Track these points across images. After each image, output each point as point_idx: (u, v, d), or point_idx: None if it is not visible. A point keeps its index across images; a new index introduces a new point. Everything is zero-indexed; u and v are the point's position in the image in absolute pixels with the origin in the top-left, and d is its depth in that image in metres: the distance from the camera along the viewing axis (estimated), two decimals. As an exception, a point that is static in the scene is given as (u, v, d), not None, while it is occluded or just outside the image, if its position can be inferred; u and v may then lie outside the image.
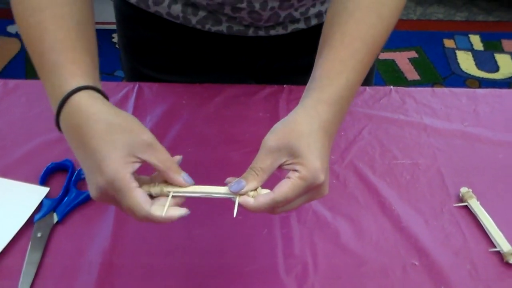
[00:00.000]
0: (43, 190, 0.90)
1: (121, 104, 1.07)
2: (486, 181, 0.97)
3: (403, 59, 2.92)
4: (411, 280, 0.83)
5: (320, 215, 0.90)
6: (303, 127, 0.70)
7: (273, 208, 0.68)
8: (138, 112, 1.05)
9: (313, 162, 0.67)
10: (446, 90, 1.14)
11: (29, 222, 0.86)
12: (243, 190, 0.68)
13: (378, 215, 0.91)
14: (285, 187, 0.67)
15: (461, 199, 0.93)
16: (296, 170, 0.68)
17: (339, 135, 1.03)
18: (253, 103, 1.09)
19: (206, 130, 1.03)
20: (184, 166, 0.95)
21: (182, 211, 0.68)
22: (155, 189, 0.68)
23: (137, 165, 0.67)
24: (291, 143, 0.68)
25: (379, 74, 2.81)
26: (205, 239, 0.87)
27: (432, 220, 0.91)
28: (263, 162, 0.69)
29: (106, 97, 0.72)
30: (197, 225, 0.88)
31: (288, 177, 0.68)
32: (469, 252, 0.87)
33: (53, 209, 0.88)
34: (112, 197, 0.67)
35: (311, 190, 0.69)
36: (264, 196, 0.68)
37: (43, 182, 0.91)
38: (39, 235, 0.85)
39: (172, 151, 0.97)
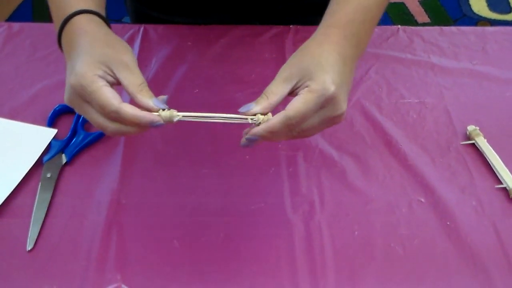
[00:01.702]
0: (51, 132, 0.90)
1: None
2: (493, 119, 0.96)
3: (413, 2, 2.87)
4: (417, 216, 0.84)
5: (327, 154, 0.91)
6: (314, 49, 0.70)
7: (289, 128, 0.67)
8: (144, 54, 1.05)
9: (322, 75, 0.66)
10: (454, 28, 1.13)
11: (38, 164, 0.87)
12: (252, 111, 0.67)
13: (384, 154, 0.91)
14: (296, 102, 0.66)
15: (468, 137, 0.93)
16: (306, 87, 0.67)
17: (346, 75, 1.02)
18: (259, 44, 1.08)
19: (212, 71, 1.03)
20: (191, 107, 0.96)
21: (154, 117, 0.66)
22: (165, 113, 0.67)
23: (108, 77, 0.67)
24: (303, 65, 0.68)
25: (389, 17, 2.77)
26: (211, 178, 0.87)
27: (439, 158, 0.91)
28: (275, 86, 0.68)
29: (107, 22, 0.73)
30: (204, 165, 0.89)
31: (299, 94, 0.67)
32: (475, 189, 0.87)
33: (62, 150, 0.88)
34: (82, 100, 0.67)
35: (324, 104, 0.67)
36: (276, 115, 0.67)
37: (51, 123, 0.92)
38: (48, 175, 0.86)
39: (179, 92, 0.99)
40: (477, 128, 0.93)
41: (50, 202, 0.83)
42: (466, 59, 1.07)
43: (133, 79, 0.67)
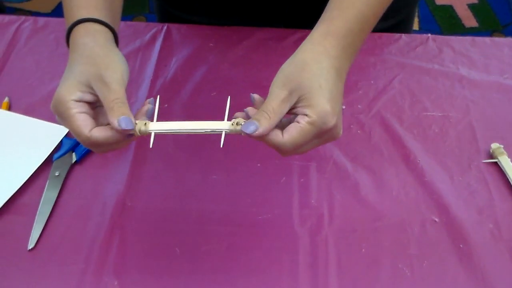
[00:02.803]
0: (63, 129, 0.90)
1: (148, 45, 1.05)
2: (520, 138, 0.92)
3: (462, 5, 2.79)
4: (429, 237, 0.80)
5: (341, 166, 0.88)
6: (313, 66, 0.67)
7: (280, 151, 0.66)
8: (164, 53, 1.03)
9: (323, 105, 0.64)
10: (487, 39, 1.08)
11: (48, 161, 0.87)
12: (256, 134, 0.64)
13: (401, 168, 0.88)
14: (294, 133, 0.64)
15: (491, 155, 0.89)
16: (305, 114, 0.64)
17: (369, 84, 0.99)
18: (282, 48, 1.05)
19: (232, 74, 1.01)
20: (206, 110, 0.95)
21: (122, 138, 0.66)
22: (138, 126, 0.66)
23: (88, 96, 0.66)
24: (302, 84, 0.65)
25: (435, 20, 2.71)
26: (220, 185, 0.85)
27: (458, 176, 0.87)
28: (275, 104, 0.65)
29: (110, 27, 0.72)
30: (214, 171, 0.87)
31: (297, 121, 0.65)
32: (493, 210, 0.83)
33: (72, 148, 0.88)
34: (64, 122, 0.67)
35: (321, 134, 0.66)
36: (274, 135, 0.65)
37: (63, 121, 0.91)
38: (56, 174, 0.85)
39: (196, 94, 0.97)
40: (502, 146, 0.89)
41: (55, 201, 0.82)
42: (497, 72, 1.02)
43: (108, 95, 0.65)
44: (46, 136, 0.89)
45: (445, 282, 0.76)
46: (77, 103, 0.66)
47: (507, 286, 0.76)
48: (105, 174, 0.86)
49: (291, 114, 0.67)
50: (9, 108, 0.95)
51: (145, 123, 0.66)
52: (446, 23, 2.71)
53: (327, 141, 0.68)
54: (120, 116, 0.64)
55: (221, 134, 0.67)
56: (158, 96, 0.69)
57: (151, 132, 0.67)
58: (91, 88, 0.66)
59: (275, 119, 0.65)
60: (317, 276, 0.76)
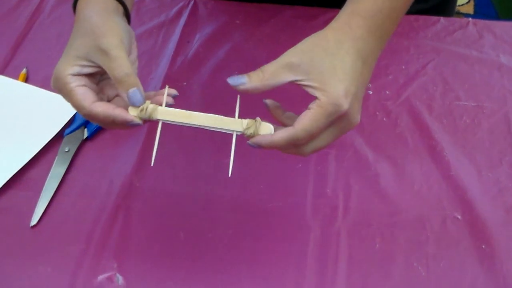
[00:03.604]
0: (77, 104, 0.88)
1: (173, 20, 1.02)
2: (558, 133, 0.86)
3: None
4: (449, 235, 0.75)
5: (361, 155, 0.83)
6: (332, 43, 0.61)
7: (295, 146, 0.61)
8: (188, 29, 1.00)
9: (335, 88, 0.59)
10: (533, 25, 1.01)
11: (59, 136, 0.85)
12: (240, 88, 0.61)
13: (425, 160, 0.83)
14: (305, 119, 0.59)
15: (525, 151, 0.83)
16: (316, 98, 0.59)
17: (400, 69, 0.93)
18: (311, 27, 1.00)
19: (256, 54, 0.97)
20: (224, 90, 0.90)
21: (127, 117, 0.61)
22: (141, 115, 0.61)
23: (86, 69, 0.63)
24: (314, 60, 0.60)
25: (491, 3, 2.59)
26: (233, 169, 0.82)
27: (487, 171, 0.81)
28: (275, 67, 0.61)
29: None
30: (226, 154, 0.83)
31: (309, 108, 0.60)
32: (522, 210, 0.78)
33: (84, 124, 0.86)
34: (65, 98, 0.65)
35: (336, 120, 0.60)
36: (283, 130, 0.60)
37: (78, 95, 0.89)
38: (66, 149, 0.83)
39: (216, 73, 0.94)
40: (537, 141, 0.83)
41: (63, 177, 0.80)
42: (541, 61, 0.95)
43: (110, 65, 0.61)
44: (59, 110, 0.87)
45: (462, 285, 0.71)
46: (75, 77, 0.62)
47: (531, 293, 0.71)
48: (115, 152, 0.84)
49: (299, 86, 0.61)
50: (26, 79, 0.93)
51: (153, 107, 0.62)
52: (504, 7, 2.59)
53: (344, 129, 0.62)
54: (129, 88, 0.61)
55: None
56: (167, 86, 0.64)
57: (157, 120, 0.62)
58: (91, 61, 0.62)
59: (267, 79, 0.61)
60: (325, 271, 0.72)
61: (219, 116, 0.62)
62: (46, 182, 0.80)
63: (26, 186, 0.80)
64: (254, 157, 0.83)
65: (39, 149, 0.83)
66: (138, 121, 0.61)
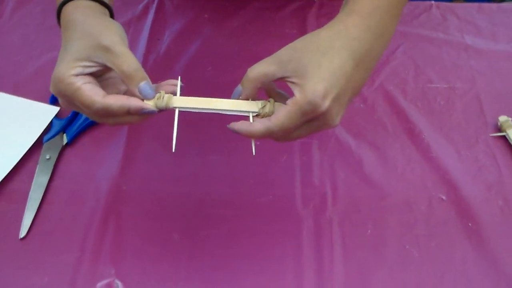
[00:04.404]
0: (53, 110, 0.86)
1: (140, 18, 1.01)
2: (529, 109, 0.89)
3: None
4: (436, 215, 0.77)
5: (343, 142, 0.85)
6: (323, 42, 0.60)
7: (271, 138, 0.61)
8: (157, 27, 0.99)
9: (314, 86, 0.57)
10: (494, 6, 1.04)
11: (38, 143, 0.83)
12: (241, 98, 0.62)
13: (406, 144, 0.85)
14: (281, 116, 0.59)
15: (499, 129, 0.86)
16: (294, 96, 0.59)
17: (371, 55, 0.95)
18: (279, 18, 1.01)
19: (228, 47, 0.97)
20: (202, 85, 0.90)
21: (142, 104, 0.61)
22: (158, 102, 0.61)
23: (89, 69, 0.61)
24: (303, 59, 0.59)
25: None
26: (219, 166, 0.82)
27: (465, 150, 0.84)
28: (265, 67, 0.61)
29: (100, 1, 0.68)
30: (212, 151, 0.83)
31: (286, 103, 0.59)
32: (503, 186, 0.80)
33: (63, 129, 0.84)
34: (70, 102, 0.63)
35: (313, 119, 0.59)
36: (261, 122, 0.60)
37: (53, 101, 0.87)
38: (47, 157, 0.82)
39: (191, 69, 0.93)
40: (510, 119, 0.85)
41: (47, 186, 0.79)
42: (505, 41, 0.99)
43: (116, 61, 0.61)
44: (35, 117, 0.85)
45: (454, 262, 0.73)
46: (79, 77, 0.61)
47: (518, 265, 0.73)
48: (98, 156, 0.83)
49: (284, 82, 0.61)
50: (-4, 87, 0.91)
51: (169, 96, 0.62)
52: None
53: (320, 128, 0.62)
54: (139, 82, 0.61)
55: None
56: (180, 77, 0.64)
57: (173, 108, 0.62)
58: (93, 61, 0.61)
59: (257, 82, 0.62)
60: (322, 259, 0.73)
61: (235, 100, 0.63)
62: (30, 192, 0.78)
63: (9, 198, 0.78)
64: (240, 154, 0.83)
65: (19, 159, 0.81)
66: (154, 108, 0.61)
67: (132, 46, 0.96)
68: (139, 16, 1.01)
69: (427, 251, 0.74)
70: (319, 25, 0.65)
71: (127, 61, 0.61)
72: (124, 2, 1.03)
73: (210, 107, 0.63)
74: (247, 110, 0.62)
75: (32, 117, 0.85)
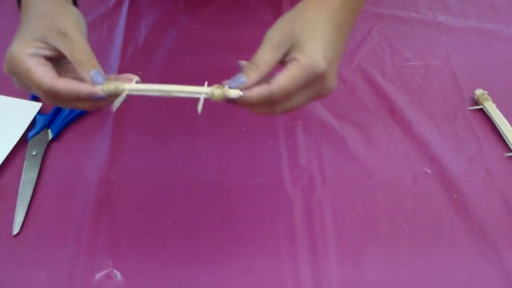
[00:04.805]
0: (36, 106, 0.86)
1: (114, 10, 1.01)
2: (503, 82, 0.91)
3: None
4: (423, 189, 0.79)
5: (327, 123, 0.86)
6: (311, 12, 0.64)
7: (270, 104, 0.61)
8: (132, 18, 0.99)
9: (313, 48, 0.60)
10: (461, -17, 1.06)
11: (23, 140, 0.83)
12: (246, 85, 0.61)
13: (387, 122, 0.87)
14: (282, 77, 0.60)
15: (476, 102, 0.88)
16: (294, 59, 0.61)
17: (347, 37, 0.97)
18: (254, 4, 1.02)
19: (205, 36, 0.97)
20: (182, 74, 0.92)
21: (92, 90, 0.59)
22: (108, 86, 0.60)
23: (43, 51, 0.61)
24: (295, 33, 0.62)
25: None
26: (206, 152, 0.83)
27: (445, 125, 0.86)
28: (265, 54, 0.62)
29: None
30: (198, 138, 0.84)
31: (286, 68, 0.61)
32: (483, 158, 0.83)
33: (47, 125, 0.84)
34: (22, 82, 0.62)
35: (312, 81, 0.61)
36: (259, 87, 0.60)
37: (34, 97, 0.87)
38: (34, 153, 0.81)
39: (170, 59, 0.94)
40: (486, 92, 0.88)
41: (36, 182, 0.79)
42: (474, 17, 1.01)
43: (71, 46, 0.61)
44: (18, 114, 0.85)
45: (443, 233, 0.75)
46: (33, 56, 0.60)
47: (503, 232, 0.76)
48: (85, 150, 0.83)
49: (283, 65, 0.62)
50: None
51: (118, 84, 0.60)
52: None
53: (319, 92, 0.63)
54: (91, 69, 0.60)
55: (199, 107, 0.62)
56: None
57: (124, 93, 0.60)
58: (47, 43, 0.61)
59: (264, 70, 0.61)
60: (315, 238, 0.74)
61: (186, 86, 0.61)
62: (20, 189, 0.78)
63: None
64: (225, 140, 0.84)
65: (5, 157, 0.80)
66: (103, 93, 0.60)
67: (109, 39, 0.96)
68: (113, 9, 1.01)
69: (416, 224, 0.76)
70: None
71: (80, 47, 0.61)
72: (97, -5, 1.03)
73: (161, 89, 0.61)
74: (200, 91, 0.61)
75: (15, 115, 0.84)
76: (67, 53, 0.61)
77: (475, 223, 0.76)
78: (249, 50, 0.94)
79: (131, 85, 0.60)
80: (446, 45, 0.96)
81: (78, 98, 0.60)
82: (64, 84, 0.59)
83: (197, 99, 0.61)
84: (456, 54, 0.95)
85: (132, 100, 0.81)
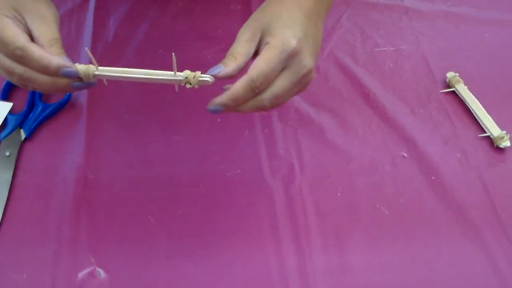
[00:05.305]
0: (6, 106, 0.84)
1: (81, 5, 0.99)
2: (473, 64, 0.93)
3: None
4: (401, 173, 0.80)
5: (303, 112, 0.86)
6: (275, 6, 0.66)
7: (253, 91, 0.61)
8: (101, 13, 0.97)
9: (282, 29, 0.63)
10: (425, -32, 1.07)
11: (-5, 141, 0.81)
12: (221, 74, 0.61)
13: (362, 108, 0.87)
14: (257, 62, 0.61)
15: (448, 85, 0.90)
16: (266, 43, 0.62)
17: (317, 25, 0.97)
18: (223, -5, 1.01)
19: (175, 28, 0.96)
20: (155, 69, 0.90)
21: (64, 62, 0.59)
22: (81, 67, 0.60)
23: (18, 23, 0.61)
24: (264, 22, 0.64)
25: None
26: (184, 145, 0.82)
27: (419, 108, 0.87)
28: (240, 46, 0.63)
29: None
30: (174, 131, 0.83)
31: (260, 53, 0.62)
32: (458, 139, 0.84)
33: (19, 125, 0.82)
34: None
35: (287, 60, 0.62)
36: (238, 81, 0.61)
37: (4, 97, 0.85)
38: (7, 154, 0.79)
39: (142, 53, 0.93)
40: (457, 74, 0.89)
41: (11, 182, 0.77)
42: (441, 1, 1.02)
43: (46, 32, 0.60)
44: (-12, 115, 0.83)
45: (423, 215, 0.76)
46: (10, 18, 0.60)
47: (481, 211, 0.77)
48: (59, 148, 0.81)
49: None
50: None
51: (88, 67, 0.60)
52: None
53: (298, 72, 0.63)
54: (60, 55, 0.60)
55: (176, 87, 0.64)
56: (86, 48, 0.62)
57: (96, 75, 0.60)
58: (23, 18, 0.61)
59: (240, 59, 0.62)
60: (297, 227, 0.75)
61: (160, 71, 0.62)
62: (-5, 190, 0.76)
63: (-26, 198, 0.76)
64: (202, 132, 0.83)
65: (-23, 158, 0.79)
66: (74, 69, 0.59)
67: (77, 35, 0.94)
68: (80, 4, 0.99)
69: (397, 208, 0.77)
70: (263, 0, 0.68)
71: (55, 35, 0.61)
72: (63, -10, 1.01)
73: (134, 72, 0.62)
74: (172, 78, 0.62)
75: (-16, 115, 0.83)
76: (37, 33, 0.60)
77: (454, 203, 0.78)
78: (220, 40, 0.95)
79: (103, 68, 0.61)
80: (415, 30, 0.97)
81: (47, 68, 0.59)
82: (39, 49, 0.59)
83: (169, 85, 0.63)
84: (426, 38, 0.96)
85: (105, 94, 0.81)
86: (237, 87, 0.61)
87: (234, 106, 0.62)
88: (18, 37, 0.58)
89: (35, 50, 0.58)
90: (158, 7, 0.99)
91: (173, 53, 0.61)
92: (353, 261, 0.73)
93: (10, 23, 0.59)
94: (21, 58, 0.58)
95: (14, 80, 0.61)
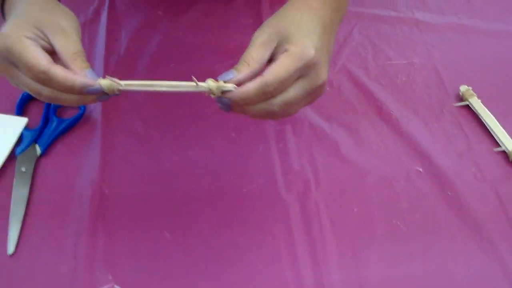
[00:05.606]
0: (22, 121, 0.84)
1: (93, 20, 0.99)
2: (485, 77, 0.93)
3: None
4: (416, 187, 0.80)
5: (317, 126, 0.86)
6: (293, 12, 0.65)
7: (266, 96, 0.60)
8: (112, 27, 0.97)
9: (302, 38, 0.61)
10: (436, -20, 1.08)
11: (11, 157, 0.81)
12: (233, 81, 0.60)
13: (376, 121, 0.87)
14: (274, 67, 0.60)
15: (461, 98, 0.90)
16: (285, 50, 0.61)
17: (329, 38, 0.97)
18: (232, 9, 1.02)
19: (187, 42, 0.96)
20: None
21: (88, 81, 0.59)
22: (104, 81, 0.60)
23: (40, 41, 0.60)
24: (281, 29, 0.63)
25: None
26: (198, 161, 0.82)
27: (432, 122, 0.87)
28: (254, 51, 0.62)
29: None
30: (188, 147, 0.83)
31: (278, 58, 0.61)
32: (473, 153, 0.84)
33: (35, 140, 0.82)
34: (9, 63, 0.61)
35: (304, 69, 0.61)
36: (254, 80, 0.60)
37: (20, 112, 0.85)
38: (23, 169, 0.79)
39: (154, 67, 0.93)
40: (470, 88, 0.89)
41: (28, 199, 0.77)
42: (451, 13, 1.02)
43: (68, 46, 0.61)
44: (4, 130, 0.82)
45: (440, 230, 0.76)
46: (31, 40, 0.60)
47: (497, 225, 0.77)
48: (75, 164, 0.81)
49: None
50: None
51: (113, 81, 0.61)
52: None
53: (313, 82, 0.62)
54: (85, 69, 0.60)
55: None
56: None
57: (119, 89, 0.61)
58: (45, 35, 0.60)
59: (255, 66, 0.61)
60: (314, 242, 0.75)
61: (181, 81, 0.62)
62: (11, 206, 0.76)
63: (-9, 214, 0.76)
64: (216, 147, 0.83)
65: (-6, 174, 0.79)
66: (99, 86, 0.60)
67: (90, 49, 0.94)
68: (92, 19, 0.99)
69: (413, 223, 0.77)
70: (274, 11, 0.67)
71: (77, 48, 0.61)
72: (74, 6, 1.00)
73: (157, 84, 0.62)
74: (195, 89, 0.61)
75: (1, 131, 0.82)
76: (60, 48, 0.60)
77: (470, 218, 0.78)
78: (232, 53, 0.94)
79: (126, 81, 0.61)
80: (427, 42, 0.97)
81: (72, 88, 0.59)
82: (62, 70, 0.59)
83: (185, 95, 0.62)
84: (437, 51, 0.96)
85: (119, 109, 0.80)
86: (249, 87, 0.60)
87: (242, 105, 0.61)
88: (39, 60, 0.58)
89: (58, 72, 0.58)
90: (169, 21, 0.99)
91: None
92: (369, 276, 0.73)
93: (30, 45, 0.59)
94: (45, 81, 0.58)
95: (43, 100, 0.62)
